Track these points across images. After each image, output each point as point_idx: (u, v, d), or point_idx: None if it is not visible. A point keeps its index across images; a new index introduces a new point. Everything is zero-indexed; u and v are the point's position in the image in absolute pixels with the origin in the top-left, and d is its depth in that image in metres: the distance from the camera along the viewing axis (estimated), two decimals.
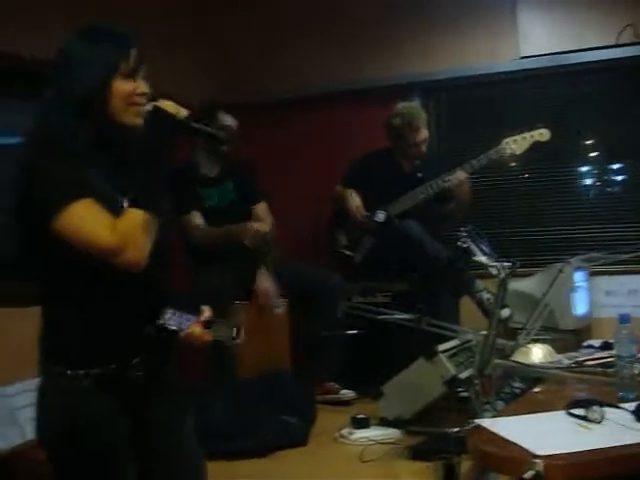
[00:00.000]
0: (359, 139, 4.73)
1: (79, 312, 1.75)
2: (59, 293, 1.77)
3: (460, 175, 4.04)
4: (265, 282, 3.95)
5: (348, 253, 4.27)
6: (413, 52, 4.87)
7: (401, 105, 4.29)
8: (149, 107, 1.80)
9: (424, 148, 4.26)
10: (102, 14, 3.78)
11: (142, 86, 1.81)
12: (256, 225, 3.99)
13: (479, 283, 3.69)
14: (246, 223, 3.99)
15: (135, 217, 1.70)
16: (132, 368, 1.77)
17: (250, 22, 5.12)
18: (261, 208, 4.19)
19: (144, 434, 1.81)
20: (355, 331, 4.02)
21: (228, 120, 4.11)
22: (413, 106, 4.35)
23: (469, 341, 3.07)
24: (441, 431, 2.72)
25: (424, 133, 4.24)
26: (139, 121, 1.80)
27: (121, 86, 1.77)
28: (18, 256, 1.84)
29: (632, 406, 1.87)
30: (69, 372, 1.72)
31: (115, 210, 1.71)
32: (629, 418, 1.84)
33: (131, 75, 1.79)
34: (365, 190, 4.25)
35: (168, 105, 1.81)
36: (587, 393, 2.45)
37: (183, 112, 1.81)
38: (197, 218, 3.99)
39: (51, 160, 1.71)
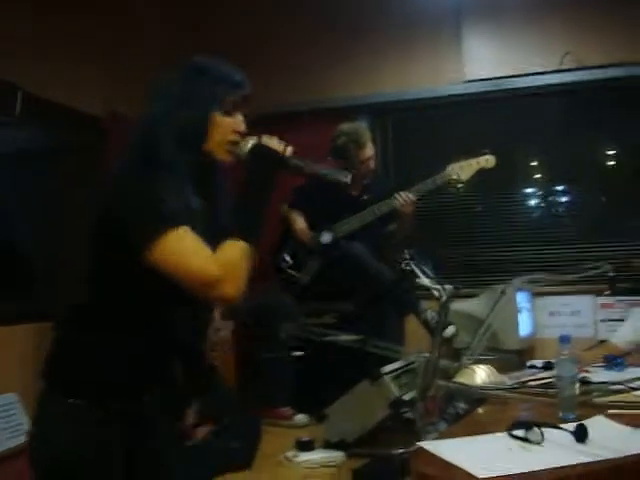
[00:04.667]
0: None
1: (120, 342, 1.71)
2: (105, 321, 1.72)
3: (407, 196, 4.06)
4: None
5: (294, 273, 4.25)
6: (359, 75, 4.90)
7: (343, 125, 4.29)
8: (252, 142, 1.80)
9: (372, 165, 4.27)
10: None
11: (241, 123, 1.83)
12: None
13: (423, 304, 3.71)
14: None
15: (236, 249, 1.68)
16: (146, 404, 1.76)
17: (214, 42, 5.12)
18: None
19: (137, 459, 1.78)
20: (301, 353, 4.00)
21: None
22: (356, 125, 4.35)
23: (413, 362, 3.07)
24: (385, 453, 2.71)
25: (370, 149, 4.24)
26: (230, 159, 1.82)
27: (220, 121, 1.79)
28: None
29: (572, 427, 1.88)
30: (82, 403, 1.68)
31: (206, 238, 1.68)
32: (569, 439, 1.85)
33: (232, 112, 1.81)
34: (310, 212, 4.25)
35: (272, 142, 1.81)
36: (529, 413, 2.47)
37: (288, 149, 1.83)
38: None
39: (154, 177, 1.68)
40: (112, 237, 1.67)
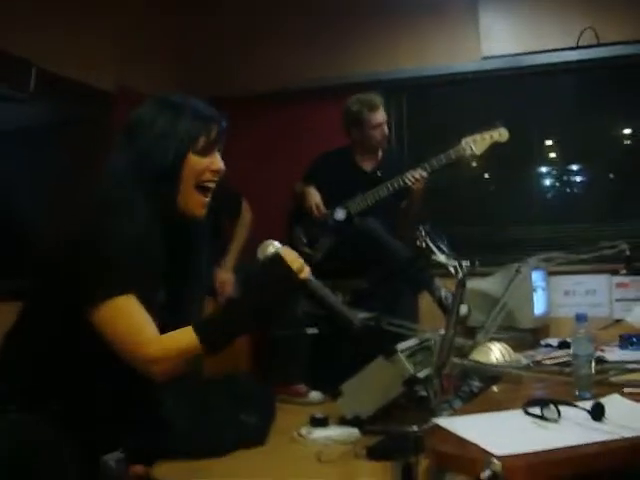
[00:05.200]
0: (323, 136, 4.71)
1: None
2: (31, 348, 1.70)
3: (417, 173, 4.04)
4: (224, 275, 3.94)
5: (307, 251, 4.24)
6: (375, 51, 4.87)
7: (354, 95, 4.25)
8: (273, 249, 1.73)
9: (386, 130, 4.25)
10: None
11: (217, 162, 1.78)
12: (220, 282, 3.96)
13: (437, 282, 3.70)
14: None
15: (188, 342, 1.63)
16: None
17: (229, 18, 5.10)
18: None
19: None
20: (314, 330, 4.00)
21: None
22: (368, 93, 4.27)
23: (428, 340, 3.06)
24: (399, 430, 2.70)
25: (383, 114, 4.21)
26: (201, 213, 1.77)
27: (196, 160, 1.74)
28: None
29: (588, 405, 1.88)
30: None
31: (151, 302, 1.65)
32: (585, 417, 1.84)
33: (208, 151, 1.76)
34: (324, 188, 4.23)
35: (291, 257, 1.74)
36: (544, 392, 2.46)
37: (306, 271, 1.77)
38: None
39: (115, 227, 1.63)
40: (61, 278, 1.65)
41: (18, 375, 1.70)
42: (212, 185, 1.79)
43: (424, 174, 4.04)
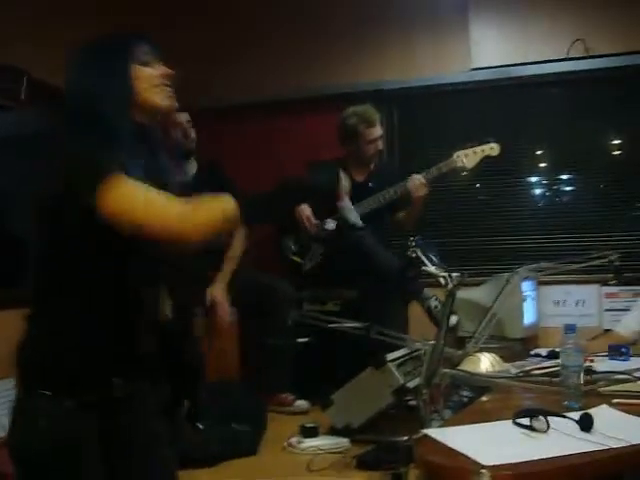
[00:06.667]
0: (308, 146, 4.72)
1: (80, 331, 1.69)
2: (63, 309, 1.70)
3: (418, 179, 4.05)
4: (216, 292, 3.90)
5: (298, 260, 4.25)
6: (364, 62, 4.88)
7: (351, 108, 4.26)
8: None
9: (380, 146, 4.26)
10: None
11: (164, 68, 1.84)
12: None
13: (427, 291, 3.70)
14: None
15: (213, 200, 1.68)
16: (115, 389, 1.74)
17: (213, 29, 5.10)
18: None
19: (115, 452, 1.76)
20: (305, 339, 4.00)
21: (182, 117, 4.01)
22: (365, 106, 4.29)
23: (418, 350, 3.07)
24: (389, 440, 2.71)
25: (379, 130, 4.24)
26: (171, 103, 1.83)
27: (142, 71, 1.79)
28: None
29: (577, 415, 1.88)
30: (49, 394, 1.66)
31: None
32: (574, 427, 1.85)
33: (148, 63, 1.81)
34: (316, 198, 4.23)
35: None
36: (534, 402, 2.47)
37: None
38: None
39: (92, 145, 1.67)
40: (63, 206, 1.66)
41: (57, 351, 1.71)
42: (167, 86, 1.84)
43: (423, 179, 4.05)
